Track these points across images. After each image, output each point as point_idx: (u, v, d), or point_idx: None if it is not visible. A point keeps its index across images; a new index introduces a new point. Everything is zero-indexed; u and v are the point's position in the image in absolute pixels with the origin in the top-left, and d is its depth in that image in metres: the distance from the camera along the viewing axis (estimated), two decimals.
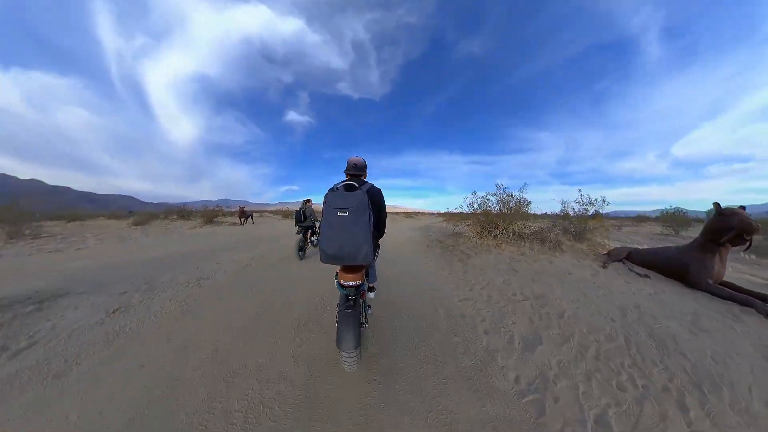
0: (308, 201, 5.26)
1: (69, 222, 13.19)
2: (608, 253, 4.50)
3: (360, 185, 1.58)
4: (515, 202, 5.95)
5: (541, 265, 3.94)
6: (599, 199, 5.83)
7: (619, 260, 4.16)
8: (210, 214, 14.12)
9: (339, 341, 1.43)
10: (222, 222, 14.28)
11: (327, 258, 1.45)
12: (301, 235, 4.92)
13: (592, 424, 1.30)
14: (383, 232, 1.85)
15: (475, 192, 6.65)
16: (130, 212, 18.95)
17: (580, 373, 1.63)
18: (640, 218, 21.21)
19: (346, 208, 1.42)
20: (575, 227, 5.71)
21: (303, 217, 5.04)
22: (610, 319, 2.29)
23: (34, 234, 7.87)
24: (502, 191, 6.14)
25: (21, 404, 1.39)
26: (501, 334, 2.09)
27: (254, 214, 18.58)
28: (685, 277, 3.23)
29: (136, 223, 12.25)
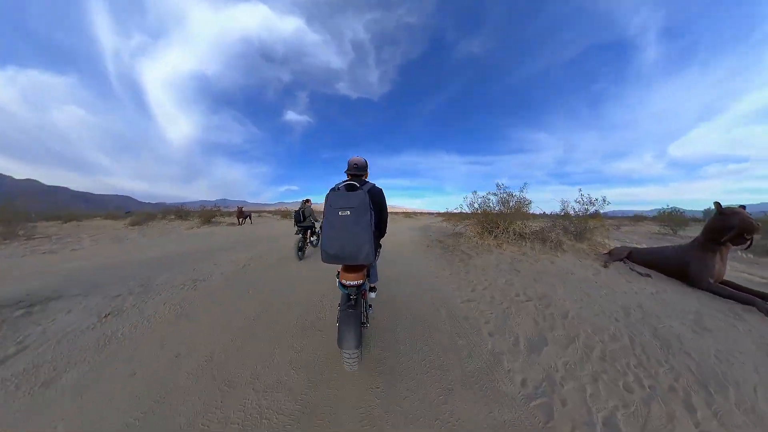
0: (307, 201, 5.21)
1: (65, 222, 13.02)
2: (609, 253, 4.51)
3: (361, 185, 1.58)
4: (516, 202, 5.95)
5: (542, 265, 3.93)
6: (599, 198, 5.79)
7: (620, 260, 4.16)
8: (208, 214, 13.97)
9: (340, 340, 1.43)
10: (220, 222, 14.17)
11: (328, 258, 1.45)
12: (300, 235, 4.87)
13: (601, 426, 1.27)
14: (384, 232, 1.85)
15: (475, 192, 6.56)
16: (127, 212, 18.74)
17: (586, 375, 1.61)
18: (638, 218, 21.42)
19: (347, 208, 1.42)
20: (575, 227, 5.71)
21: (302, 217, 4.99)
22: (614, 319, 2.28)
23: (28, 235, 7.73)
24: (502, 191, 6.13)
25: (7, 414, 1.33)
26: (506, 336, 2.06)
27: (253, 214, 18.47)
28: (686, 277, 3.23)
29: (133, 224, 12.13)
